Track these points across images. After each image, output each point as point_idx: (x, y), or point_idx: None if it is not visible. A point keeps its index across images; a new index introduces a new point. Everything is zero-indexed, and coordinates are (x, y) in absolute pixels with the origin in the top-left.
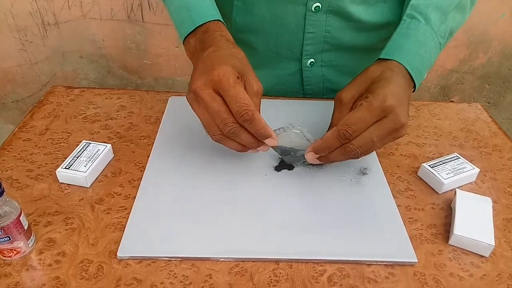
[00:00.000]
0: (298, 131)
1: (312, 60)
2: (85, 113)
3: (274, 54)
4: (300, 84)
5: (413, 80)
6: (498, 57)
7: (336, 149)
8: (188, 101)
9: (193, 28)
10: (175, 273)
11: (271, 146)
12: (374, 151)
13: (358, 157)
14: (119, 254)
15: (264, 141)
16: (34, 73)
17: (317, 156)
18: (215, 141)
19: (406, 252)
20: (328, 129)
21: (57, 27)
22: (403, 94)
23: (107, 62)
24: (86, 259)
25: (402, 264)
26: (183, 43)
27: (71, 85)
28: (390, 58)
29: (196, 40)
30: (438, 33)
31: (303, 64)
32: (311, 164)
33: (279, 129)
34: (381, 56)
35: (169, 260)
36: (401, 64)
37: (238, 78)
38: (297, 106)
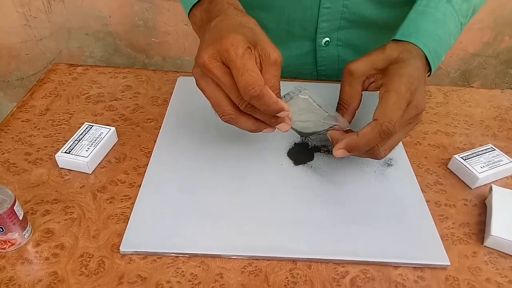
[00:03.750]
0: (306, 97)
1: (327, 39)
2: (88, 93)
3: (286, 32)
4: (313, 65)
5: (428, 63)
6: None
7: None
8: (195, 77)
9: None
10: (182, 271)
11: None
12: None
13: (380, 156)
14: (122, 248)
15: (278, 115)
16: (39, 49)
17: (349, 154)
18: (225, 121)
19: (437, 254)
20: (338, 106)
21: (62, 2)
22: (421, 78)
23: (113, 39)
24: (87, 253)
25: (432, 267)
26: (188, 17)
27: (77, 63)
28: (406, 40)
29: (202, 11)
30: (460, 12)
31: (317, 44)
32: (327, 150)
33: (284, 96)
34: (397, 37)
35: (176, 257)
36: (418, 46)
37: (249, 48)
38: (309, 89)
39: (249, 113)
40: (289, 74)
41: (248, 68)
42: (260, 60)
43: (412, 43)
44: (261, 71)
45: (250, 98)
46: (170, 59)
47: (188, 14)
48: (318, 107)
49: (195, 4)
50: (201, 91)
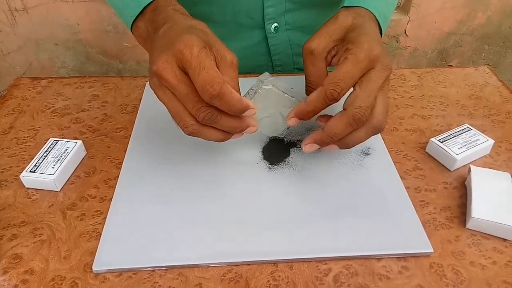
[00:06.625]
0: (270, 86)
1: (276, 24)
2: (53, 106)
3: (233, 24)
4: (267, 55)
5: (379, 27)
6: (498, 15)
7: (342, 123)
8: (152, 88)
9: (140, 10)
10: (159, 285)
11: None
12: None
13: (382, 127)
14: (94, 267)
15: (243, 114)
16: (8, 64)
17: (300, 120)
18: (188, 134)
19: (419, 241)
20: (306, 89)
21: (26, 13)
22: (380, 39)
23: (84, 48)
24: (58, 275)
25: (416, 256)
26: (131, 31)
27: (49, 74)
28: (355, 5)
29: (147, 21)
30: None
31: (266, 31)
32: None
33: (248, 92)
34: (346, 4)
35: (153, 271)
36: (368, 10)
37: (205, 48)
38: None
39: (209, 125)
40: (244, 68)
41: (205, 66)
42: (217, 63)
43: (362, 7)
44: None
45: (210, 98)
46: (145, 63)
47: (131, 28)
48: (283, 94)
49: (137, 16)
50: (161, 102)
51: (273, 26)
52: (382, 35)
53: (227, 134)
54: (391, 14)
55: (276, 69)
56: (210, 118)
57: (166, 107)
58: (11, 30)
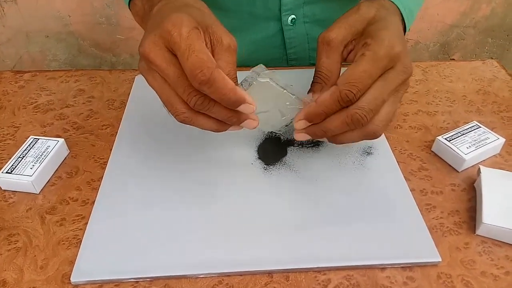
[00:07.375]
0: (267, 79)
1: (293, 16)
2: (36, 102)
3: (248, 14)
4: (282, 48)
5: (403, 22)
6: (502, 7)
7: (338, 120)
8: (141, 73)
9: None
10: None
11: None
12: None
13: (378, 134)
14: (73, 279)
15: (238, 108)
16: None
17: (310, 124)
18: (180, 122)
19: (426, 250)
20: (314, 80)
21: (15, 4)
22: (403, 36)
23: (76, 40)
24: (33, 287)
25: (422, 265)
26: (129, 8)
27: (40, 68)
28: None
29: None
30: None
31: (283, 23)
32: (301, 142)
33: (241, 83)
34: None
35: (137, 282)
36: (393, 2)
37: (196, 29)
38: (278, 75)
39: (202, 111)
40: (257, 61)
41: (195, 49)
42: (212, 46)
43: None
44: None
45: (200, 84)
46: (138, 56)
47: (129, 5)
48: (282, 89)
49: None
50: (151, 87)
51: (290, 18)
52: (406, 32)
53: (223, 124)
54: (418, 10)
55: (290, 63)
56: (202, 103)
57: (157, 93)
58: (0, 22)
